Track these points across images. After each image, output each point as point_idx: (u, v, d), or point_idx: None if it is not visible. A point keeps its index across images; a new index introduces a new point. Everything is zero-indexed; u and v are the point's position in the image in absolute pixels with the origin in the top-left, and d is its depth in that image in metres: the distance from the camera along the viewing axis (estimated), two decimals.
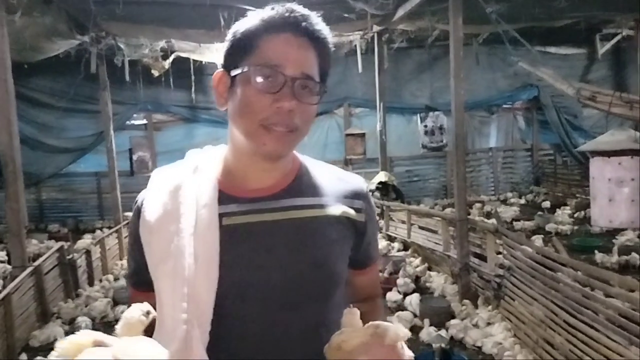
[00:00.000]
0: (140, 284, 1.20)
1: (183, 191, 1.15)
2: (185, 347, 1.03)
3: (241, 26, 1.13)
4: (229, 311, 1.09)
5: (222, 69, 1.17)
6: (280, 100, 1.07)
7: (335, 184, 1.26)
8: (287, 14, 1.10)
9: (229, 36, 1.15)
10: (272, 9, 1.12)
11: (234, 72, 1.12)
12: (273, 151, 1.12)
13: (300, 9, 1.12)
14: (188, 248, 1.08)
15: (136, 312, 1.07)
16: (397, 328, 0.99)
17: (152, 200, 1.17)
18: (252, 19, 1.13)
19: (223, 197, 1.15)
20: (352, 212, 1.23)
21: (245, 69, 1.09)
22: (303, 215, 1.18)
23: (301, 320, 1.14)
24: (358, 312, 1.06)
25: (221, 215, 1.13)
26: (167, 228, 1.12)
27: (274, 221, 1.15)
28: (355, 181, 1.29)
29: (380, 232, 9.14)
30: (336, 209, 1.21)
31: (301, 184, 1.22)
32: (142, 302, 1.17)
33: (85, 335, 1.00)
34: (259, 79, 1.08)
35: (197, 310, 1.06)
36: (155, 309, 1.15)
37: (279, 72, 1.08)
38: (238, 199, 1.16)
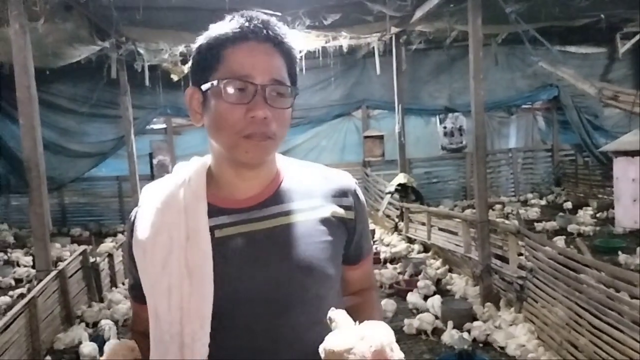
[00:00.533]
0: (140, 297, 1.20)
1: (172, 207, 1.16)
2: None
3: (204, 40, 1.14)
4: (225, 322, 1.11)
5: (192, 86, 1.17)
6: (253, 109, 1.08)
7: (322, 183, 1.26)
8: (247, 23, 1.11)
9: (194, 52, 1.16)
10: (232, 19, 1.12)
11: (204, 87, 1.12)
12: (255, 158, 1.13)
13: (261, 16, 1.13)
14: (181, 265, 1.10)
15: (122, 347, 1.09)
16: (383, 333, 1.01)
17: (142, 218, 1.19)
18: (214, 31, 1.13)
19: (213, 210, 1.16)
20: (341, 210, 1.24)
21: (215, 83, 1.10)
22: (292, 220, 1.18)
23: (297, 324, 1.15)
24: (343, 312, 1.07)
25: (212, 228, 1.14)
26: (159, 246, 1.13)
27: (264, 230, 1.16)
28: (342, 179, 1.29)
29: (400, 234, 9.12)
30: (325, 210, 1.22)
31: (287, 189, 1.22)
32: (142, 315, 1.20)
33: None
34: (230, 91, 1.09)
35: (194, 324, 1.08)
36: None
37: (248, 82, 1.09)
38: (227, 210, 1.17)
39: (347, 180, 1.29)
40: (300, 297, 1.15)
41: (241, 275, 1.12)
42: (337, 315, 1.07)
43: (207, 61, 1.12)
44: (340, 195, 1.25)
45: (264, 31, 1.11)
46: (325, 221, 1.20)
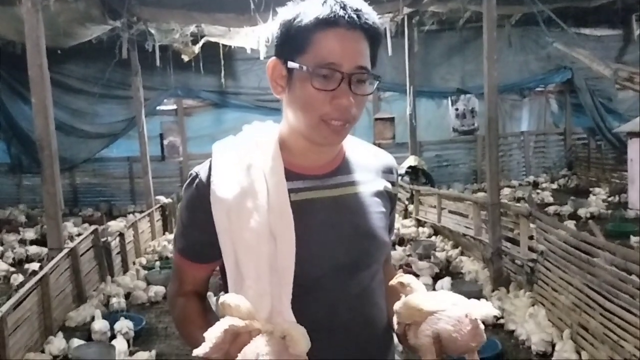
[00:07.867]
0: (198, 257, 1.25)
1: (254, 168, 1.19)
2: (274, 317, 1.10)
3: (293, 17, 1.15)
4: (301, 282, 1.14)
5: (275, 58, 1.19)
6: (338, 97, 1.12)
7: (373, 160, 1.35)
8: (341, 11, 1.12)
9: (280, 26, 1.18)
10: (324, 3, 1.12)
11: (290, 65, 1.14)
12: (332, 143, 1.20)
13: (352, 2, 1.13)
14: (265, 226, 1.14)
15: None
16: (478, 305, 1.12)
17: (224, 176, 1.19)
18: (306, 10, 1.13)
19: (288, 174, 1.19)
20: (389, 186, 1.35)
21: (304, 68, 1.12)
22: (356, 190, 1.27)
23: (363, 286, 1.25)
24: (414, 278, 1.19)
25: (289, 192, 1.18)
26: (245, 205, 1.16)
27: (334, 197, 1.23)
28: (387, 157, 1.41)
29: (410, 217, 9.11)
30: (379, 184, 1.32)
31: (350, 162, 1.30)
32: (196, 274, 1.27)
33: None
34: (318, 78, 1.11)
35: (280, 281, 1.12)
36: (207, 280, 1.30)
37: (336, 70, 1.11)
38: (302, 175, 1.22)
39: (391, 158, 1.41)
40: (365, 262, 1.24)
41: (317, 239, 1.18)
42: (411, 280, 1.16)
43: (296, 41, 1.14)
44: (388, 171, 1.37)
45: (355, 18, 1.12)
46: (379, 194, 1.30)
